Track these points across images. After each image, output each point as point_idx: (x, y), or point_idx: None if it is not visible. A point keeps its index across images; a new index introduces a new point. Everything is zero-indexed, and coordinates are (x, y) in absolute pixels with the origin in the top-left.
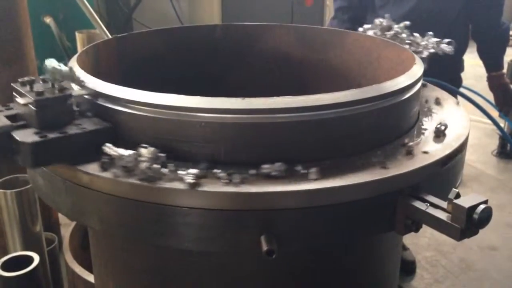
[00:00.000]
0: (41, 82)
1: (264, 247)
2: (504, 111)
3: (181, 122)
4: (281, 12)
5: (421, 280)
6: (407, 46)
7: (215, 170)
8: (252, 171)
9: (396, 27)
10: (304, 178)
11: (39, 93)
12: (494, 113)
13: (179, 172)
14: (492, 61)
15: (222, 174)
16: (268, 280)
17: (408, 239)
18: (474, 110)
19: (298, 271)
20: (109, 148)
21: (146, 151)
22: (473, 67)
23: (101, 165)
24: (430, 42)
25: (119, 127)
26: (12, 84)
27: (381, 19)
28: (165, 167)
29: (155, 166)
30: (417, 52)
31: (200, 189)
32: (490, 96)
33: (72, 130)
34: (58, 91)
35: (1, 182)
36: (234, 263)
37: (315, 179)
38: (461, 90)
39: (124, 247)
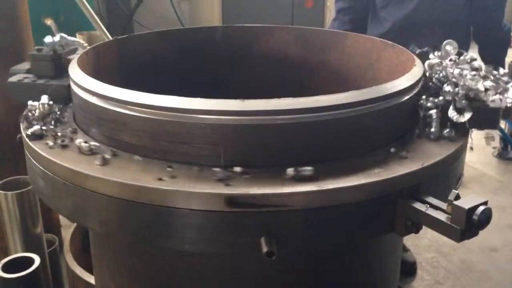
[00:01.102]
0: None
1: (264, 249)
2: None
3: (181, 123)
4: (281, 14)
5: (421, 281)
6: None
7: (214, 171)
8: (252, 172)
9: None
10: (304, 179)
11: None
12: None
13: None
14: (493, 63)
15: (222, 175)
16: (268, 281)
17: (409, 240)
18: None
19: (298, 273)
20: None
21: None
22: None
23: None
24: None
25: (119, 128)
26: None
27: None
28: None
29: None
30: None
31: (200, 190)
32: None
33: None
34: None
35: (2, 183)
36: (234, 264)
37: (315, 181)
38: None
39: (125, 249)
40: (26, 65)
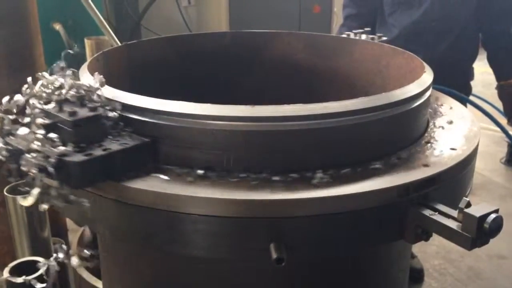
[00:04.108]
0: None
1: (274, 255)
2: None
3: (191, 129)
4: (289, 19)
5: None
6: None
7: (224, 177)
8: (262, 179)
9: None
10: (314, 186)
11: (72, 113)
12: (503, 121)
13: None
14: (502, 70)
15: (232, 181)
16: (277, 287)
17: (416, 247)
18: (482, 117)
19: (306, 279)
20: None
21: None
22: (482, 74)
23: None
24: None
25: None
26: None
27: None
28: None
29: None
30: None
31: (210, 196)
32: (498, 103)
33: (113, 146)
34: (89, 110)
35: (9, 187)
36: (243, 270)
37: (325, 187)
38: (470, 97)
39: (134, 254)
40: None
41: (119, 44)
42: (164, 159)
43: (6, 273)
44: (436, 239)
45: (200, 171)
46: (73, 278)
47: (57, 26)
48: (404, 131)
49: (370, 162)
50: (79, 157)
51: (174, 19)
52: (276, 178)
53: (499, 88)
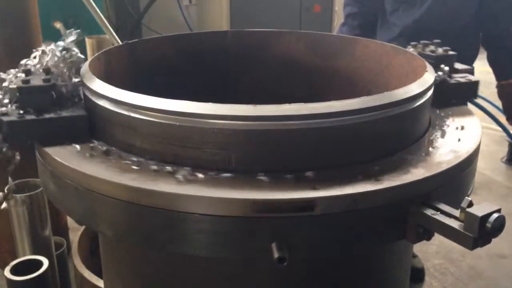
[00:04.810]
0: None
1: (275, 255)
2: None
3: (192, 128)
4: (289, 18)
5: None
6: None
7: (225, 176)
8: (263, 178)
9: None
10: (316, 185)
11: (25, 81)
12: (504, 120)
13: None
14: (502, 70)
15: (233, 181)
16: (279, 287)
17: (417, 247)
18: (483, 116)
19: (308, 279)
20: None
21: None
22: (482, 73)
23: None
24: None
25: (130, 133)
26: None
27: None
28: None
29: None
30: None
31: (211, 195)
32: (499, 102)
33: (53, 114)
34: (43, 80)
35: (11, 186)
36: (245, 270)
37: (326, 187)
38: None
39: (135, 253)
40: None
41: (120, 43)
42: (161, 157)
43: (7, 272)
44: (436, 238)
45: (200, 170)
46: (73, 277)
47: (58, 25)
48: (407, 130)
49: (372, 162)
50: (11, 118)
51: (175, 18)
52: (277, 177)
53: (499, 87)
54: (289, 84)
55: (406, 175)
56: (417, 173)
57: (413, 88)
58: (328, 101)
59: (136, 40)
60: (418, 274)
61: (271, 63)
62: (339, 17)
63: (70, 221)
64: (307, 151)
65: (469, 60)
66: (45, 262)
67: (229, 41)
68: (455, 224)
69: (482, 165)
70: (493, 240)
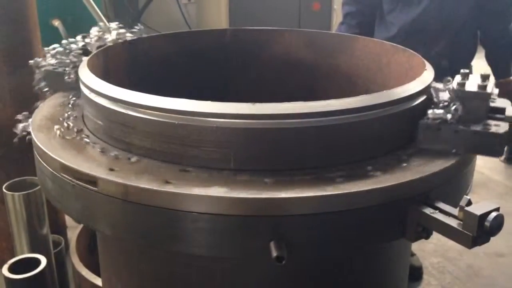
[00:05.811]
0: None
1: (274, 253)
2: None
3: (192, 126)
4: (288, 17)
5: (428, 287)
6: None
7: (225, 175)
8: (263, 176)
9: None
10: (315, 184)
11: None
12: None
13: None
14: (500, 68)
15: (232, 179)
16: (277, 286)
17: (415, 245)
18: None
19: (307, 277)
20: None
21: None
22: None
23: None
24: None
25: (129, 131)
26: None
27: None
28: None
29: None
30: None
31: (210, 194)
32: None
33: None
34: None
35: (9, 184)
36: (244, 268)
37: (325, 185)
38: None
39: (133, 251)
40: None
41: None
42: (159, 156)
43: (5, 270)
44: (434, 236)
45: (199, 169)
46: (72, 275)
47: (56, 23)
48: (406, 128)
49: (371, 160)
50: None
51: (174, 16)
52: (276, 176)
53: (498, 86)
54: (288, 82)
55: (404, 173)
56: (415, 172)
57: (413, 87)
58: (327, 100)
59: (134, 38)
60: (416, 273)
61: (270, 61)
62: (338, 16)
63: (68, 220)
64: (306, 149)
65: (467, 59)
66: (43, 261)
67: (227, 40)
68: (454, 223)
69: (480, 163)
70: (491, 238)
